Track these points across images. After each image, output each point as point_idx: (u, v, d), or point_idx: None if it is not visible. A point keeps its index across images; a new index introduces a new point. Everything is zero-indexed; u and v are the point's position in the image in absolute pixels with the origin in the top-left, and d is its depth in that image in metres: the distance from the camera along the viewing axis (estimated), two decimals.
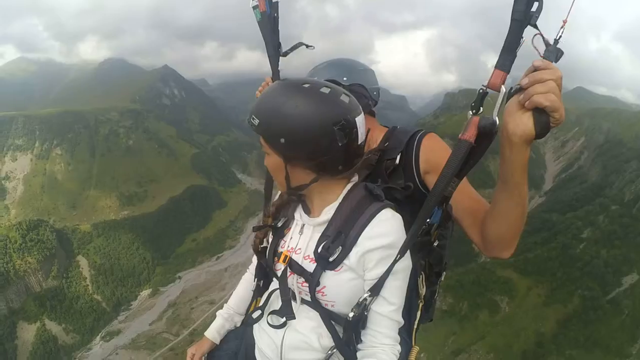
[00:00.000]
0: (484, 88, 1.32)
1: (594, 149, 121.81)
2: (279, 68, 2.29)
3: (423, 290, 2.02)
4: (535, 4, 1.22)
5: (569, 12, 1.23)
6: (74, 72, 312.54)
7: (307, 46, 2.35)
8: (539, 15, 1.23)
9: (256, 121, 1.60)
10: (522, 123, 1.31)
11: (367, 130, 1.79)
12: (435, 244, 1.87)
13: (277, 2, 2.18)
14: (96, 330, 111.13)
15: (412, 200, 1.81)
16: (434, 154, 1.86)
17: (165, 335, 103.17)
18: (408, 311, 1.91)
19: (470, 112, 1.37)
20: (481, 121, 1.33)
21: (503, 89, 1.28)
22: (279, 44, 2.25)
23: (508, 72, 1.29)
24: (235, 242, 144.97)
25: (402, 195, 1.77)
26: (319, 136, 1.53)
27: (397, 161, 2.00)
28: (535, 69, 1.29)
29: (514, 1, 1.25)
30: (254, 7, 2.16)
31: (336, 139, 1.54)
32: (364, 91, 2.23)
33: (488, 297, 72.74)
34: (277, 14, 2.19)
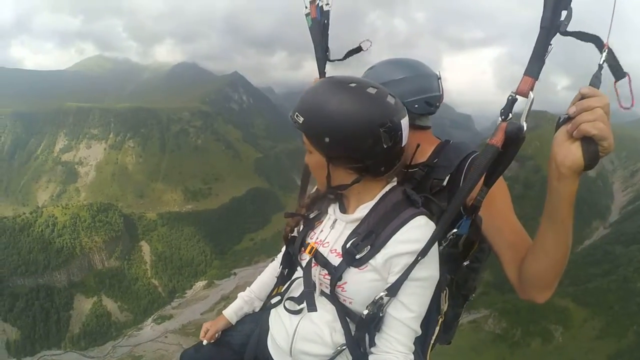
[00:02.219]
0: (513, 95, 1.31)
1: None
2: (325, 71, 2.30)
3: (445, 307, 1.92)
4: (564, 13, 1.22)
5: (608, 36, 1.23)
6: (148, 73, 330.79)
7: (357, 51, 2.26)
8: (568, 23, 1.22)
9: (300, 119, 1.58)
10: (571, 153, 1.30)
11: (416, 145, 1.89)
12: (466, 263, 1.86)
13: (328, 11, 2.19)
14: (149, 312, 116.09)
15: None
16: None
17: None
18: (425, 324, 1.80)
19: (500, 118, 1.35)
20: (509, 126, 1.31)
21: (531, 95, 1.28)
22: (327, 48, 2.26)
23: (536, 78, 1.28)
24: None
25: (439, 211, 1.67)
26: (365, 137, 1.51)
27: (445, 183, 1.94)
28: (582, 97, 1.27)
29: (543, 8, 1.24)
30: (306, 15, 2.19)
31: (381, 141, 1.52)
32: None
33: (542, 326, 70.44)
34: (328, 21, 2.20)
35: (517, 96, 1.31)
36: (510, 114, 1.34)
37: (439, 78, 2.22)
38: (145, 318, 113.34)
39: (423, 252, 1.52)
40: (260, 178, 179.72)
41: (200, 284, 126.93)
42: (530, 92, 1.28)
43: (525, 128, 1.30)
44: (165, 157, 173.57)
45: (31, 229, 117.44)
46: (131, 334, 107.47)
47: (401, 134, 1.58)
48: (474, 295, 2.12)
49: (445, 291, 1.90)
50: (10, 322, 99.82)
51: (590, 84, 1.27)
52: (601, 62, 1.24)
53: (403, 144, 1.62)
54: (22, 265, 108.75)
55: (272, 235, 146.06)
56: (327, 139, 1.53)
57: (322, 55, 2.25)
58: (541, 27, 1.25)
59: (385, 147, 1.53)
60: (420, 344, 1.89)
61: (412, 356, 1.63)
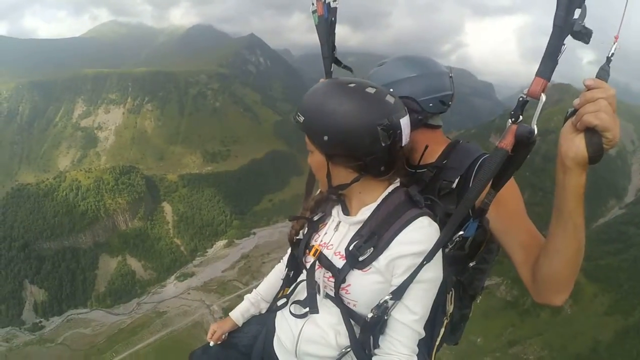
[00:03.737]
0: (524, 96, 1.27)
1: None
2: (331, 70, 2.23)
3: (450, 308, 1.92)
4: (578, 11, 1.17)
5: (619, 28, 1.22)
6: (163, 37, 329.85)
7: (348, 69, 2.29)
8: (582, 21, 1.17)
9: (301, 118, 1.61)
10: (574, 145, 1.28)
11: (424, 146, 1.89)
12: (472, 264, 1.85)
13: (335, 8, 2.12)
14: (172, 270, 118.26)
15: None
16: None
17: (235, 283, 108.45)
18: (431, 325, 1.81)
19: (510, 120, 1.31)
20: (519, 129, 1.28)
21: (543, 97, 1.24)
22: (334, 46, 2.20)
23: (549, 80, 1.24)
24: None
25: (442, 214, 1.67)
26: (362, 135, 1.52)
27: (454, 185, 1.90)
28: (587, 89, 1.25)
29: (556, 6, 1.19)
30: (313, 12, 2.13)
31: (379, 140, 1.52)
32: (411, 104, 2.03)
33: None
34: (335, 19, 2.14)
35: (528, 97, 1.26)
36: (520, 116, 1.30)
37: (451, 76, 2.18)
38: (169, 276, 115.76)
39: (428, 257, 1.51)
40: (279, 141, 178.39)
41: (221, 243, 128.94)
42: (542, 94, 1.23)
43: (536, 132, 1.27)
44: (184, 120, 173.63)
45: (55, 193, 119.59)
46: (155, 291, 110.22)
47: (400, 133, 1.58)
48: (480, 296, 2.11)
49: (451, 292, 1.91)
50: (37, 284, 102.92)
51: (597, 76, 1.25)
52: (610, 55, 1.22)
53: (403, 144, 1.62)
54: (47, 229, 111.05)
55: (291, 197, 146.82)
56: (325, 137, 1.55)
57: (329, 54, 2.18)
58: (554, 25, 1.19)
59: (383, 145, 1.54)
60: (426, 346, 1.91)
61: (415, 358, 1.63)
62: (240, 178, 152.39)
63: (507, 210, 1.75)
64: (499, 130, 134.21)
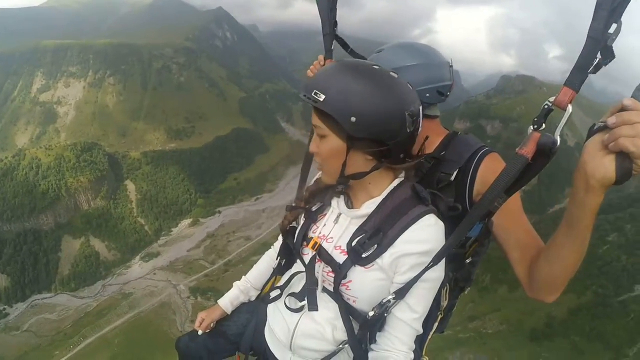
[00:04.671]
0: (550, 104, 1.24)
1: None
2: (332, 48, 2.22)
3: (445, 303, 1.94)
4: (614, 26, 1.13)
5: None
6: (126, 7, 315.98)
7: (350, 51, 2.28)
8: (616, 37, 1.14)
9: (321, 96, 1.46)
10: (603, 166, 1.20)
11: (422, 137, 1.82)
12: (469, 260, 1.87)
13: None
14: (137, 250, 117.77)
15: (453, 217, 1.65)
16: (494, 176, 1.50)
17: (202, 262, 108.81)
18: (426, 321, 1.78)
19: (532, 128, 1.29)
20: (542, 138, 1.26)
21: (570, 108, 1.20)
22: (336, 22, 2.16)
23: (577, 91, 1.20)
24: (275, 186, 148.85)
25: (445, 209, 1.65)
26: (392, 119, 1.47)
27: (453, 178, 1.90)
28: (623, 109, 1.16)
29: (593, 18, 1.15)
30: None
31: (406, 125, 1.49)
32: None
33: (510, 274, 74.32)
34: None
35: (554, 107, 1.24)
36: (544, 124, 1.28)
37: (451, 66, 2.15)
38: (134, 257, 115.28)
39: (436, 260, 1.51)
40: (245, 118, 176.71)
41: (186, 222, 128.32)
42: (570, 105, 1.21)
43: (559, 143, 1.25)
44: (148, 95, 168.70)
45: (15, 172, 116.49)
46: (120, 272, 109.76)
47: (420, 121, 1.57)
48: (469, 287, 2.12)
49: (446, 288, 1.89)
50: (0, 269, 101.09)
51: (632, 96, 1.17)
52: None
53: (419, 132, 1.60)
54: (7, 210, 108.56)
55: (256, 176, 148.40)
56: (353, 119, 1.44)
57: (331, 31, 2.16)
58: (589, 37, 1.16)
59: (408, 131, 1.51)
60: (419, 340, 1.87)
61: (412, 355, 1.62)
62: (205, 156, 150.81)
63: (507, 210, 1.65)
64: (463, 116, 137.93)
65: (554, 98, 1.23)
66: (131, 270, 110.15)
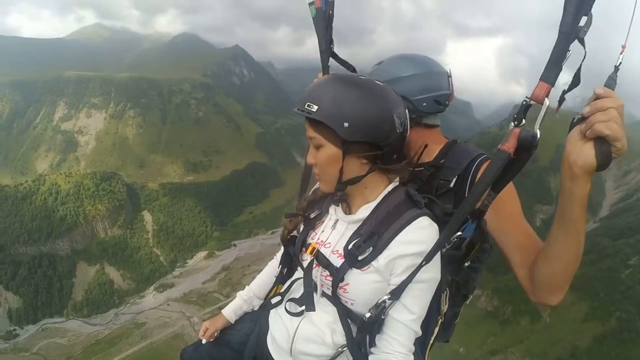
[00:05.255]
0: (527, 100, 1.29)
1: None
2: (328, 64, 2.26)
3: (445, 307, 1.93)
4: (584, 18, 1.18)
5: (627, 37, 1.22)
6: (147, 43, 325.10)
7: (347, 65, 2.27)
8: (587, 29, 1.19)
9: (314, 107, 1.52)
10: (584, 153, 1.27)
11: (420, 145, 1.91)
12: (467, 264, 1.85)
13: (333, 1, 2.12)
14: (151, 280, 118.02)
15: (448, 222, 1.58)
16: None
17: (216, 295, 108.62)
18: (426, 325, 1.79)
19: (512, 124, 1.34)
20: (522, 133, 1.30)
21: (546, 101, 1.25)
22: (332, 40, 2.20)
23: (553, 85, 1.25)
24: None
25: (441, 214, 1.65)
26: (382, 121, 1.52)
27: (452, 184, 1.93)
28: (597, 97, 1.25)
29: (563, 12, 1.21)
30: (310, 4, 2.12)
31: (395, 127, 1.54)
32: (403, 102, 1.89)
33: (532, 305, 73.55)
34: (333, 12, 2.13)
35: (532, 102, 1.28)
36: (523, 120, 1.32)
37: (449, 76, 2.20)
38: (148, 286, 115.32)
39: (427, 258, 1.52)
40: (260, 153, 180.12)
41: (201, 254, 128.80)
42: (546, 98, 1.25)
43: (538, 136, 1.29)
44: (166, 128, 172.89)
45: (34, 197, 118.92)
46: (133, 301, 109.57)
47: (407, 122, 1.62)
48: (472, 295, 2.15)
49: (445, 292, 1.90)
50: (12, 290, 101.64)
51: (605, 85, 1.26)
52: (617, 64, 1.24)
53: (407, 134, 1.64)
54: (24, 233, 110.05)
55: (271, 210, 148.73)
56: (346, 124, 1.49)
57: (326, 48, 2.20)
58: (560, 32, 1.21)
59: (397, 132, 1.56)
60: (420, 344, 1.91)
61: (411, 357, 1.63)
62: (221, 189, 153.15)
63: (504, 212, 1.76)
64: (477, 147, 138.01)
65: (531, 93, 1.27)
66: (145, 300, 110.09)
